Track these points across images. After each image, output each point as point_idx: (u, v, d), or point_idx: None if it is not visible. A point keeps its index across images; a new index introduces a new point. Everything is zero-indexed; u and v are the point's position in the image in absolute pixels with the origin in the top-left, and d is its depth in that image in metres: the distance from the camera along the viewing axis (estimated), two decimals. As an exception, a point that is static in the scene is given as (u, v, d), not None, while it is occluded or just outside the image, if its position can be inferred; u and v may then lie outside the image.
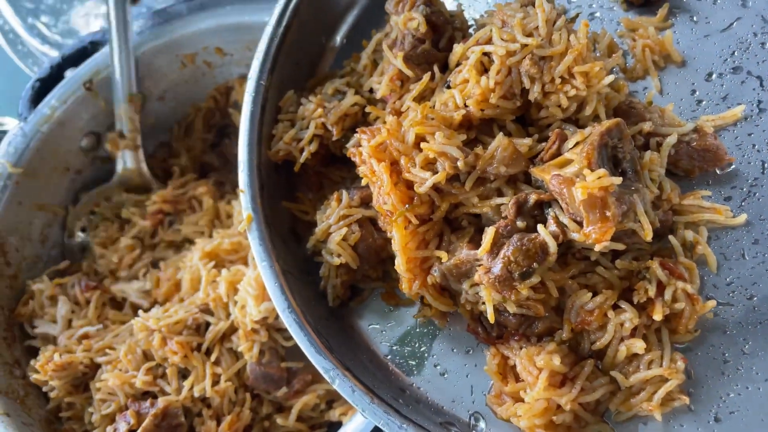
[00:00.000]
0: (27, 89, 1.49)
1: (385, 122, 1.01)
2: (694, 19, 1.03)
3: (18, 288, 1.46)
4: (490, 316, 0.90)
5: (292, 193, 1.19)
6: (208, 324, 1.27)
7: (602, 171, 0.80)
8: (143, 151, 1.56)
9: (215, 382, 1.24)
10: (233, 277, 1.24)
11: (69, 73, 1.50)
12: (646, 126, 0.92)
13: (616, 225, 0.80)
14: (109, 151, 1.52)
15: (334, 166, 1.17)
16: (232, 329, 1.26)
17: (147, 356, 1.28)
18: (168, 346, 1.24)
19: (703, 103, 0.98)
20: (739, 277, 0.92)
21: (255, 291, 1.16)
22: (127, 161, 1.53)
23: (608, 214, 0.79)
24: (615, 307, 0.89)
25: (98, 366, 1.33)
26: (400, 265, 0.95)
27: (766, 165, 0.94)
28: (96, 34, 1.52)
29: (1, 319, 1.41)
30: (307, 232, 1.12)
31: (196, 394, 1.23)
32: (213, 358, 1.25)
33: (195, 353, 1.25)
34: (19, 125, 1.47)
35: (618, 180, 0.81)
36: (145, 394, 1.27)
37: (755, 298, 0.90)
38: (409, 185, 0.93)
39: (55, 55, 1.77)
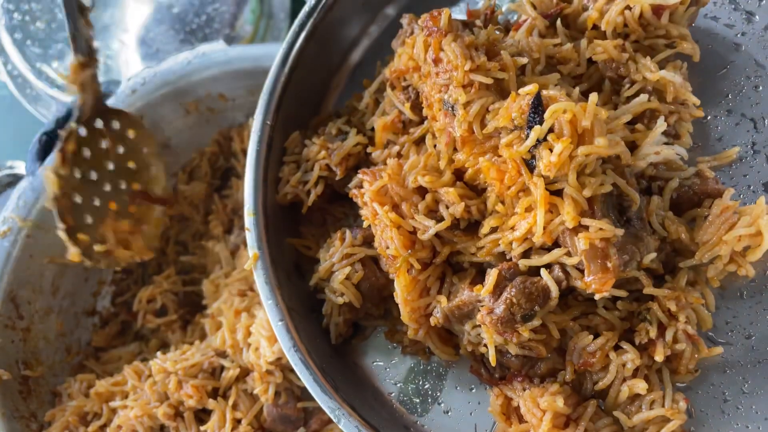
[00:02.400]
0: (34, 143, 1.45)
1: (386, 163, 1.01)
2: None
3: (31, 341, 1.44)
4: (492, 359, 0.88)
5: (296, 228, 1.17)
6: (223, 367, 1.24)
7: (604, 221, 0.79)
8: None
9: (234, 426, 1.21)
10: (249, 322, 1.21)
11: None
12: (648, 170, 0.91)
13: (616, 276, 0.79)
14: (68, 86, 1.34)
15: (337, 203, 1.15)
16: (246, 371, 1.23)
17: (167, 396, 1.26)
18: (183, 389, 1.21)
19: (699, 144, 0.97)
20: (736, 317, 0.90)
21: (267, 332, 1.14)
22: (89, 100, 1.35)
23: (609, 265, 0.78)
24: (616, 347, 0.87)
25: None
26: (403, 315, 0.93)
27: (762, 206, 0.93)
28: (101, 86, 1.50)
29: (16, 373, 1.38)
30: (310, 268, 1.10)
31: None
32: (231, 401, 1.22)
33: (211, 400, 1.22)
34: (29, 179, 1.45)
35: (620, 231, 0.79)
36: None
37: (753, 338, 0.89)
38: (412, 230, 0.92)
39: (63, 98, 1.76)
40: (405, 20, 1.12)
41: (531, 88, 0.80)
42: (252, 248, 1.07)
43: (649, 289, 0.85)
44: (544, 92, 0.80)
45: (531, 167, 0.81)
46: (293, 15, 1.88)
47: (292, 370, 1.18)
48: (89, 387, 1.36)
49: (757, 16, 1.00)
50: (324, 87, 1.26)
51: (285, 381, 1.17)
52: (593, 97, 0.79)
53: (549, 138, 0.78)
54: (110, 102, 1.46)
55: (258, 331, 1.15)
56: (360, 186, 1.04)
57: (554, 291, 0.82)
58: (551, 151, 0.77)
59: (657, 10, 0.97)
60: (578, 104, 0.77)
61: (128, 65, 1.84)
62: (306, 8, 1.16)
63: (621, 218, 0.83)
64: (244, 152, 1.36)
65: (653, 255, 0.83)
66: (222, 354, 1.26)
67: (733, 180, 0.95)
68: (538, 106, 0.78)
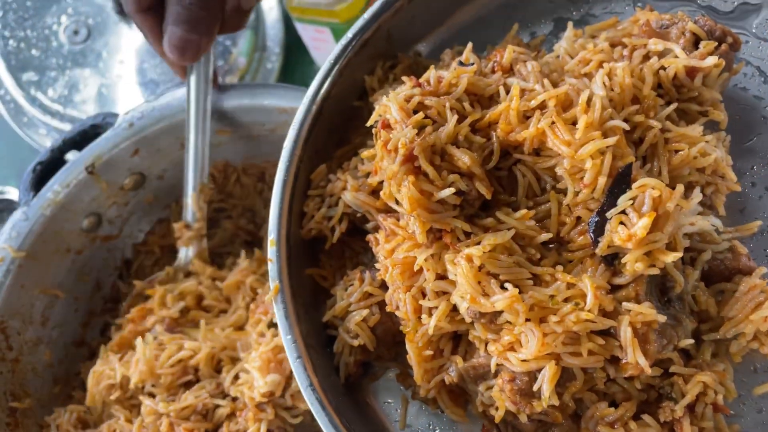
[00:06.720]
0: (27, 173, 1.38)
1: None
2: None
3: (20, 372, 1.35)
4: (498, 418, 0.82)
5: (316, 257, 1.10)
6: (216, 407, 1.16)
7: (646, 305, 0.72)
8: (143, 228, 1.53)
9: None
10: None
11: (71, 156, 1.40)
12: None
13: (653, 360, 0.72)
14: (175, 241, 1.40)
15: (358, 236, 1.07)
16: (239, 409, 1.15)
17: None
18: (175, 431, 1.13)
19: (723, 216, 0.91)
20: (749, 390, 0.84)
21: (259, 362, 1.07)
22: (190, 252, 1.40)
23: (648, 349, 0.71)
24: (635, 417, 0.81)
25: None
26: (417, 376, 0.87)
27: (780, 280, 0.86)
28: (97, 117, 1.41)
29: (4, 404, 1.30)
30: (324, 299, 1.03)
31: None
32: None
33: None
34: (22, 209, 1.37)
35: (662, 318, 0.73)
36: None
37: (764, 411, 0.83)
38: (423, 292, 0.85)
39: (55, 124, 1.70)
40: (447, 56, 1.04)
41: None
42: (273, 280, 0.99)
43: (678, 368, 0.78)
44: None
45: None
46: (287, 48, 1.84)
47: (284, 408, 1.11)
48: (78, 419, 1.28)
49: (786, 91, 0.94)
50: (352, 111, 1.17)
51: (277, 419, 1.09)
52: (680, 187, 0.73)
53: (627, 210, 0.71)
54: (107, 135, 1.39)
55: (250, 366, 1.07)
56: (378, 229, 0.97)
57: (580, 380, 0.76)
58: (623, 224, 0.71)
59: (691, 72, 0.90)
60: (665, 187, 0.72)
61: (124, 95, 1.78)
62: (339, 45, 1.08)
63: (662, 298, 0.76)
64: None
65: (691, 341, 0.77)
66: (217, 394, 1.18)
67: (752, 253, 0.89)
68: (626, 177, 0.71)
